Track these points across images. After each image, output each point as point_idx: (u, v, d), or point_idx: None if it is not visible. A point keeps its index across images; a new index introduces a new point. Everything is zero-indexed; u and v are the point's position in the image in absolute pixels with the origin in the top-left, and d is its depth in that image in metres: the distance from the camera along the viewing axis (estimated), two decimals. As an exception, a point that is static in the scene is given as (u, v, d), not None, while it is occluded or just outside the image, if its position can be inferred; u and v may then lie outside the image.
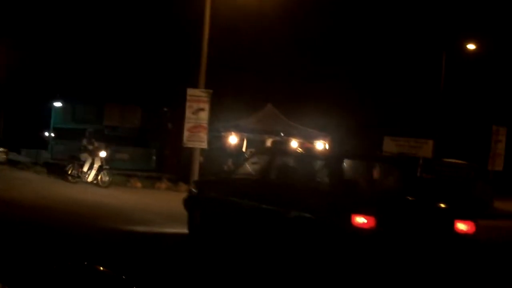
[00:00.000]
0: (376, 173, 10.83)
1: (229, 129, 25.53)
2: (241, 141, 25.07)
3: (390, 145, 29.60)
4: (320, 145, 25.70)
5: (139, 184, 24.94)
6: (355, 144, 32.53)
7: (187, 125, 25.02)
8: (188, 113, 25.12)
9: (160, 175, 27.61)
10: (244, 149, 25.42)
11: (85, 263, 3.53)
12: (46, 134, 43.52)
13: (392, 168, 10.86)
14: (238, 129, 25.16)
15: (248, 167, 11.97)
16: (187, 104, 25.14)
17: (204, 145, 25.10)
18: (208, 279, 8.29)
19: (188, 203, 12.27)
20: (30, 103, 44.59)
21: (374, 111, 38.30)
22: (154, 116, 33.53)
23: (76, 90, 40.73)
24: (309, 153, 11.95)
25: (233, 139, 24.99)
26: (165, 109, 34.04)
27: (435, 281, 8.79)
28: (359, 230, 8.12)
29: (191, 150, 25.35)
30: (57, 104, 38.64)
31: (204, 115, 25.01)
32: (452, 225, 8.80)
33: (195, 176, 24.90)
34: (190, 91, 25.30)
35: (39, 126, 43.04)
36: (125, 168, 28.65)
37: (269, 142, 26.20)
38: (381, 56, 39.17)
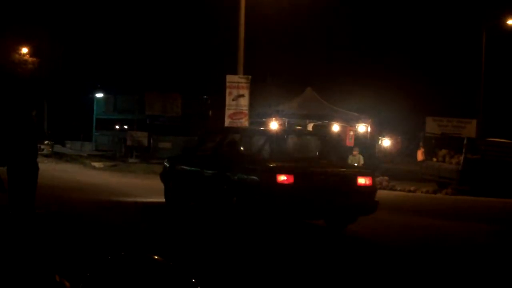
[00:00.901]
0: (300, 144, 13.95)
1: (270, 115, 25.44)
2: (283, 126, 24.99)
3: (432, 126, 29.23)
4: (362, 128, 25.46)
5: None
6: (397, 126, 32.22)
7: (228, 112, 25.03)
8: (228, 100, 25.12)
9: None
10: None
11: (140, 252, 3.55)
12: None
13: (312, 140, 14.35)
14: (279, 114, 25.05)
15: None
16: (227, 90, 25.13)
17: (246, 131, 25.14)
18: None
19: (163, 176, 14.87)
20: (72, 95, 45.16)
21: (416, 92, 37.84)
22: (194, 103, 33.60)
23: (117, 80, 41.16)
24: (247, 132, 14.77)
25: (274, 124, 24.91)
26: (205, 96, 34.11)
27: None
28: (281, 185, 10.93)
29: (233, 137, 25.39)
30: (99, 95, 39.02)
31: (244, 101, 24.98)
32: (355, 179, 11.67)
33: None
34: (229, 78, 25.28)
35: (82, 117, 43.53)
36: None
37: (310, 127, 26.08)
38: (421, 37, 38.65)
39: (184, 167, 14.03)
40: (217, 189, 12.34)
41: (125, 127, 36.97)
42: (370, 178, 11.82)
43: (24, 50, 46.25)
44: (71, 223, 11.09)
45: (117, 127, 38.10)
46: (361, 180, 11.68)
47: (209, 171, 12.92)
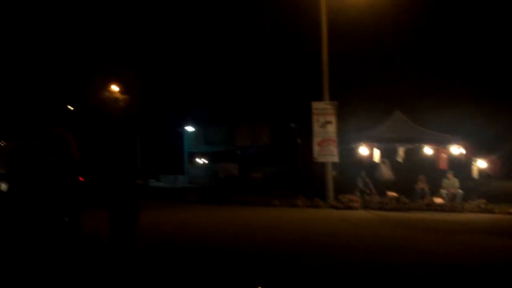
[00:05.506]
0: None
1: (358, 140, 25.15)
2: (372, 151, 24.66)
3: (528, 143, 28.33)
4: (455, 149, 24.81)
5: (277, 203, 24.43)
6: (493, 145, 31.25)
7: (316, 139, 24.98)
8: (315, 127, 25.08)
9: (291, 192, 27.69)
10: (376, 159, 24.94)
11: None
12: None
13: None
14: (368, 139, 24.71)
15: None
16: (314, 117, 25.11)
17: (335, 158, 24.94)
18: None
19: None
20: (163, 129, 46.18)
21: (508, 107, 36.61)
22: (282, 132, 33.78)
23: (206, 113, 41.86)
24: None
25: (363, 150, 24.61)
26: (293, 124, 34.24)
27: None
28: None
29: (323, 165, 25.26)
30: (189, 128, 39.79)
31: (332, 128, 24.90)
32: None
33: (330, 191, 24.75)
34: (315, 104, 25.27)
35: (173, 151, 44.40)
36: (259, 187, 28.91)
37: (401, 151, 25.62)
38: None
39: None
40: None
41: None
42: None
43: (114, 87, 47.78)
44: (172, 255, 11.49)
45: (204, 160, 38.58)
46: None
47: None
